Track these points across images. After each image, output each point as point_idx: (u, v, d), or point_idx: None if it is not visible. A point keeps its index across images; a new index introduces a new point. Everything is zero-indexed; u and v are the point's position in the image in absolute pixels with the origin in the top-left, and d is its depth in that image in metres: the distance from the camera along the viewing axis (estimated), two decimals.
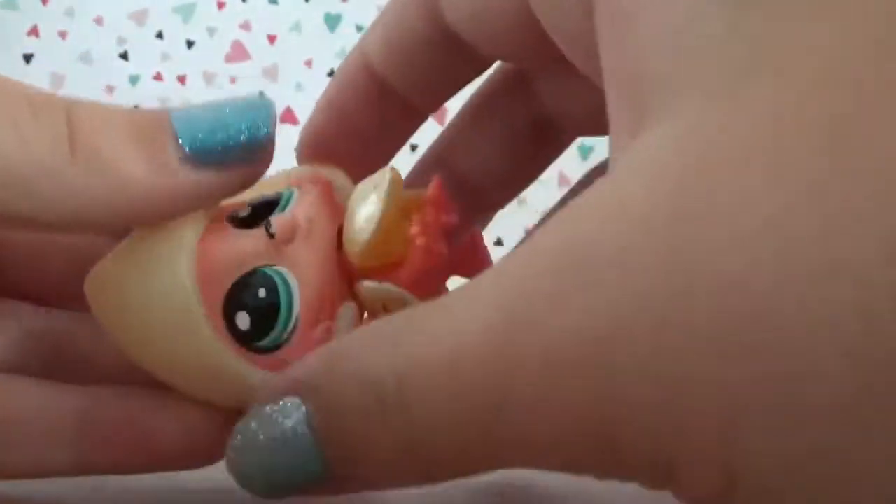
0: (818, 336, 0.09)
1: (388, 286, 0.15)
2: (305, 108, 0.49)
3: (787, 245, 0.09)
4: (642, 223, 0.10)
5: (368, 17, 0.48)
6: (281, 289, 0.15)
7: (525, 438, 0.11)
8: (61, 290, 0.18)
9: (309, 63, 0.46)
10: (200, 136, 0.15)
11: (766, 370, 0.09)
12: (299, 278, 0.15)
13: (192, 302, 0.14)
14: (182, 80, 0.46)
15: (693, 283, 0.10)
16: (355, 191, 0.16)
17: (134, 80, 0.45)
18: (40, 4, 0.45)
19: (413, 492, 0.17)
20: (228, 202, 0.15)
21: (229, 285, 0.14)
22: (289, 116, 0.45)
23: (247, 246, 0.15)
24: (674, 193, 0.10)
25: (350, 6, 0.46)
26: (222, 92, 0.46)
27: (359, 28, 0.45)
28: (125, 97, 0.46)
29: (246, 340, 0.15)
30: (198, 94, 0.46)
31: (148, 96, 0.46)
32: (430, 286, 0.15)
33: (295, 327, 0.15)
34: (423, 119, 0.18)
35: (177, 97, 0.46)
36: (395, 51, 0.17)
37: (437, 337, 0.12)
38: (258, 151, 0.15)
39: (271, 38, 0.46)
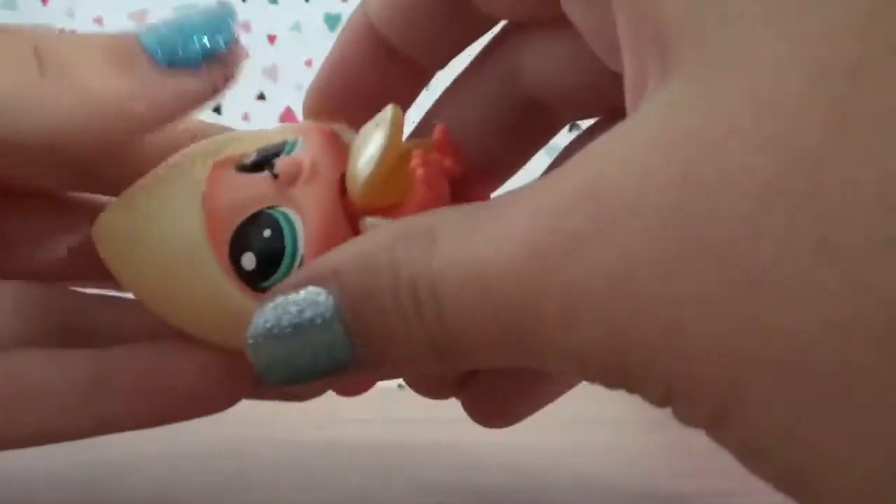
0: (809, 282, 0.10)
1: (389, 222, 0.15)
2: None
3: (785, 211, 0.10)
4: (657, 175, 0.11)
5: None
6: (285, 229, 0.15)
7: (546, 351, 0.12)
8: (65, 271, 0.18)
9: (309, 63, 0.46)
10: (170, 48, 0.15)
11: (760, 311, 0.10)
12: (303, 218, 0.15)
13: (200, 244, 0.14)
14: None
15: (698, 241, 0.10)
16: (358, 134, 0.16)
17: None
18: (40, 4, 0.45)
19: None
20: (234, 151, 0.16)
21: (235, 227, 0.14)
22: (289, 116, 0.45)
23: (251, 189, 0.15)
24: (686, 149, 0.11)
25: (350, 6, 0.45)
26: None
27: None
28: None
29: (252, 281, 0.15)
30: None
31: None
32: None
33: (300, 267, 0.15)
34: (429, 77, 0.18)
35: None
36: (395, 9, 0.17)
37: (473, 246, 0.12)
38: (228, 52, 0.16)
39: (271, 38, 0.46)
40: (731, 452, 0.11)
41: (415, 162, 0.15)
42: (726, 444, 0.11)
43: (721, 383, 0.10)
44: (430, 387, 0.18)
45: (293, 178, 0.15)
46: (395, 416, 0.33)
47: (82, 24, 0.45)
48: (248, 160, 0.15)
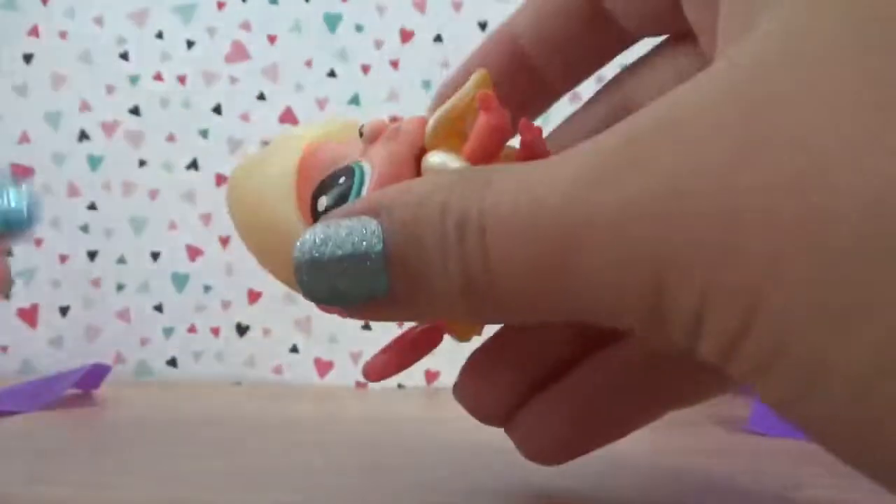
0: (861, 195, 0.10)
1: (450, 157, 0.16)
2: (305, 108, 0.49)
3: (860, 115, 0.10)
4: (727, 91, 0.11)
5: (368, 17, 0.48)
6: (356, 175, 0.16)
7: (585, 284, 0.12)
8: None
9: (309, 63, 0.46)
10: None
11: (810, 208, 0.10)
12: (373, 167, 0.16)
13: (285, 190, 0.16)
14: (182, 80, 0.46)
15: (765, 134, 0.11)
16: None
17: (134, 80, 0.45)
18: (40, 4, 0.45)
19: None
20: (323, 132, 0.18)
21: (320, 180, 0.16)
22: (289, 116, 0.45)
23: (341, 151, 0.17)
24: (761, 72, 0.11)
25: (350, 6, 0.45)
26: (222, 92, 0.46)
27: (358, 28, 0.45)
28: (125, 97, 0.46)
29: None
30: (198, 94, 0.46)
31: (148, 96, 0.46)
32: (490, 163, 0.16)
33: None
34: (555, 99, 0.19)
35: (177, 97, 0.45)
36: (543, 24, 0.18)
37: (528, 180, 0.12)
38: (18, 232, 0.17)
39: (271, 38, 0.46)
40: (752, 365, 0.11)
41: (481, 104, 0.16)
42: (751, 351, 0.11)
43: (762, 262, 0.10)
44: (485, 411, 0.18)
45: (375, 136, 0.16)
46: (396, 416, 0.33)
47: (82, 24, 0.45)
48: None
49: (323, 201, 0.16)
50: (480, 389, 0.18)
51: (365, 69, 0.45)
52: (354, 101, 0.45)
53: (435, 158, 0.16)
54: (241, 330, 0.45)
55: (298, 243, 0.14)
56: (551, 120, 0.20)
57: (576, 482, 0.21)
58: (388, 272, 0.13)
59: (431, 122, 0.16)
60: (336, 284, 0.14)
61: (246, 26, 0.46)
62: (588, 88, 0.19)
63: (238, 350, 0.45)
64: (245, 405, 0.36)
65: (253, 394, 0.40)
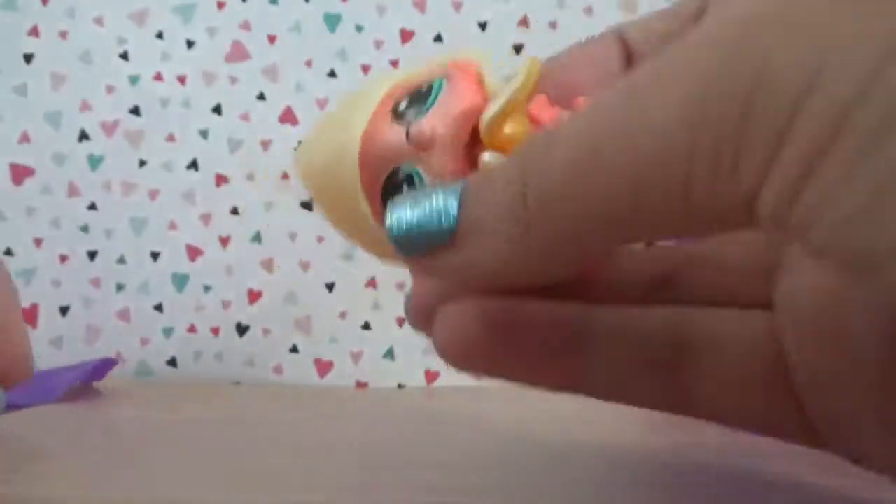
0: None
1: (503, 158, 0.16)
2: (305, 108, 0.49)
3: None
4: None
5: (368, 17, 0.48)
6: (418, 185, 0.17)
7: (651, 131, 0.12)
8: None
9: (309, 63, 0.46)
10: None
11: None
12: (432, 176, 0.17)
13: (353, 183, 0.18)
14: (182, 80, 0.46)
15: None
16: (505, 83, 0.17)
17: (134, 80, 0.45)
18: (40, 4, 0.45)
19: None
20: (396, 85, 0.18)
21: (383, 175, 0.17)
22: (289, 116, 0.45)
23: (394, 143, 0.17)
24: None
25: (350, 6, 0.45)
26: (222, 92, 0.46)
27: (358, 28, 0.45)
28: (125, 97, 0.46)
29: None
30: (198, 94, 0.46)
31: (148, 96, 0.46)
32: None
33: None
34: None
35: (177, 97, 0.45)
36: (650, 22, 0.19)
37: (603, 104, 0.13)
38: None
39: (271, 38, 0.46)
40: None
41: (533, 107, 0.17)
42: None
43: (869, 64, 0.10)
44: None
45: (422, 147, 0.17)
46: (396, 416, 0.33)
47: (82, 25, 0.45)
48: (402, 105, 0.18)
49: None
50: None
51: (365, 69, 0.45)
52: None
53: (488, 158, 0.17)
54: (241, 330, 0.45)
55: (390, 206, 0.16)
56: None
57: (575, 481, 0.21)
58: (458, 204, 0.15)
59: (486, 118, 0.17)
60: (417, 223, 0.15)
61: (246, 26, 0.46)
62: None
63: (238, 350, 0.45)
64: (245, 405, 0.36)
65: (253, 394, 0.40)
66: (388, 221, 0.16)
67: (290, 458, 0.23)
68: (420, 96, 0.18)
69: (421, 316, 0.18)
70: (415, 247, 0.15)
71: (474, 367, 0.17)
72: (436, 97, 0.17)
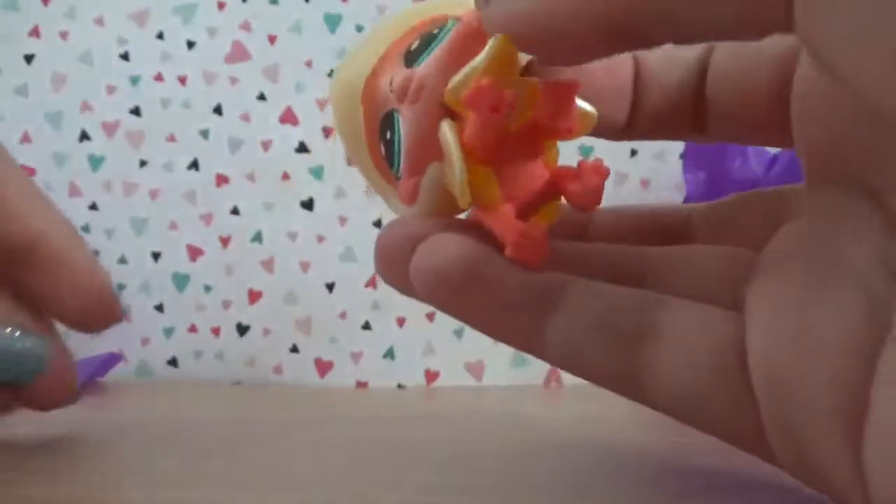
0: None
1: (454, 141, 0.16)
2: (305, 108, 0.49)
3: None
4: None
5: (368, 17, 0.48)
6: (396, 135, 0.17)
7: None
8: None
9: (309, 63, 0.46)
10: None
11: None
12: (403, 132, 0.17)
13: (356, 117, 0.18)
14: (182, 80, 0.46)
15: None
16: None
17: (134, 80, 0.45)
18: (41, 5, 0.45)
19: None
20: (422, 21, 0.18)
21: (379, 116, 0.17)
22: (289, 116, 0.46)
23: (385, 88, 0.17)
24: None
25: (350, 6, 0.45)
26: (222, 92, 0.46)
27: (359, 28, 0.45)
28: (125, 97, 0.46)
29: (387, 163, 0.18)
30: (198, 94, 0.46)
31: (148, 96, 0.46)
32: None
33: (400, 170, 0.17)
34: None
35: (177, 97, 0.46)
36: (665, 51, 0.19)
37: None
38: (21, 384, 0.21)
39: (271, 38, 0.46)
40: None
41: (466, 104, 0.16)
42: None
43: None
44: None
45: (401, 97, 0.17)
46: (396, 416, 0.33)
47: (82, 25, 0.45)
48: (414, 45, 0.17)
49: (382, 148, 0.18)
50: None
51: None
52: None
53: (445, 127, 0.16)
54: (242, 330, 0.45)
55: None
56: None
57: (575, 481, 0.21)
58: None
59: (450, 85, 0.16)
60: None
61: (246, 26, 0.46)
62: None
63: (238, 350, 0.45)
64: (245, 405, 0.36)
65: (253, 393, 0.40)
66: None
67: (289, 458, 0.23)
68: (427, 40, 0.17)
69: (394, 249, 0.17)
70: None
71: (443, 303, 0.17)
72: (435, 47, 0.17)
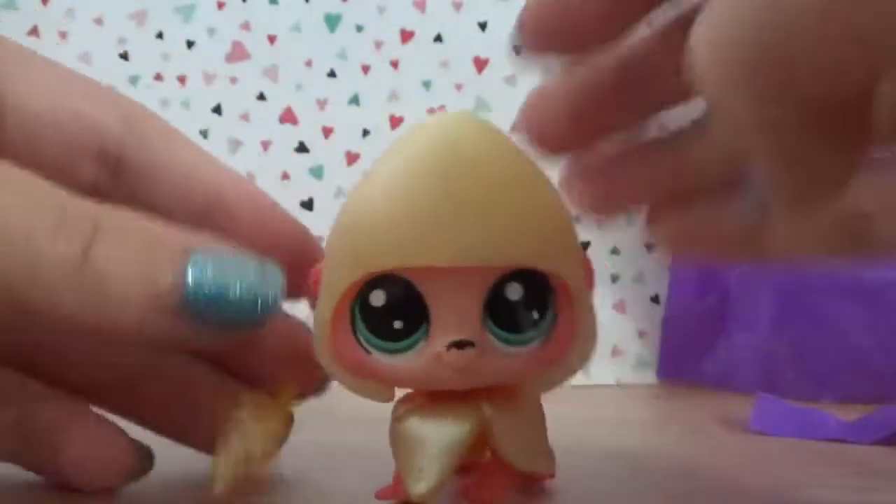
0: None
1: None
2: (305, 108, 0.49)
3: None
4: None
5: (368, 17, 0.48)
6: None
7: None
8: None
9: (309, 63, 0.46)
10: (206, 291, 0.15)
11: None
12: None
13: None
14: (182, 80, 0.46)
15: None
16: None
17: (134, 80, 0.45)
18: (40, 4, 0.45)
19: None
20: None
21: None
22: (289, 116, 0.45)
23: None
24: None
25: (350, 6, 0.45)
26: (222, 92, 0.46)
27: (359, 28, 0.45)
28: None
29: None
30: (198, 94, 0.46)
31: (148, 96, 0.46)
32: None
33: None
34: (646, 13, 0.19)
35: (177, 97, 0.45)
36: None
37: None
38: (257, 323, 0.16)
39: (271, 38, 0.46)
40: None
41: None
42: None
43: None
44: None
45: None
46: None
47: (82, 25, 0.45)
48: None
49: None
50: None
51: (365, 69, 0.45)
52: (354, 101, 0.45)
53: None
54: None
55: None
56: None
57: (576, 481, 0.21)
58: None
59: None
60: None
61: (246, 26, 0.46)
62: None
63: None
64: None
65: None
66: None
67: (289, 459, 0.23)
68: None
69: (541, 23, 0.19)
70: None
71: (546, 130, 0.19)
72: None
